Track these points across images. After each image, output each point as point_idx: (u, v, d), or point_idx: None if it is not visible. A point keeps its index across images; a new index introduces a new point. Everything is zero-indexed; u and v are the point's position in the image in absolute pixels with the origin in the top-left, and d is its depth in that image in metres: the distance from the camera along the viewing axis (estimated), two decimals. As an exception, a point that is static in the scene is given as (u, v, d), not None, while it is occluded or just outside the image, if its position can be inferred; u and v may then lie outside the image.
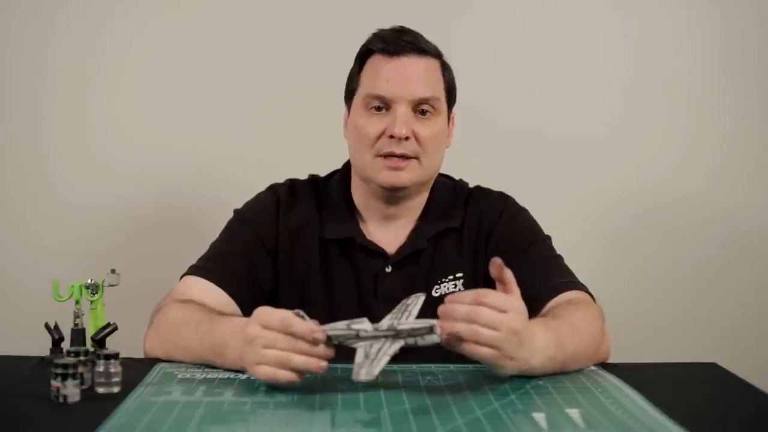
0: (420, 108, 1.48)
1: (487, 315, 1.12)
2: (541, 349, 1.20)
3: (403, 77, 1.47)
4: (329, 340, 1.15)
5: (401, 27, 1.52)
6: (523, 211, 1.59)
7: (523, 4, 2.20)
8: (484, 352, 1.13)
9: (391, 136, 1.45)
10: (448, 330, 1.12)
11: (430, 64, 1.51)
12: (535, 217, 1.59)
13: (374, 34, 1.52)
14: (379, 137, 1.47)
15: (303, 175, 1.62)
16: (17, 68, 2.15)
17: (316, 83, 2.09)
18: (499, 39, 2.19)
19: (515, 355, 1.15)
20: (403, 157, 1.46)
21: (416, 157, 1.47)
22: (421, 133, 1.47)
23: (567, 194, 2.20)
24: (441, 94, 1.51)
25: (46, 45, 2.14)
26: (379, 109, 1.48)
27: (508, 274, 1.16)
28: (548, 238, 1.57)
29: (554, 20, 2.19)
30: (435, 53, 1.52)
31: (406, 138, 1.46)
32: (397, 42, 1.49)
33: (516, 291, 1.17)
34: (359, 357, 1.14)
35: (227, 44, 2.16)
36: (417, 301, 1.29)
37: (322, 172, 1.63)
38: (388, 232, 1.54)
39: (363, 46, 1.53)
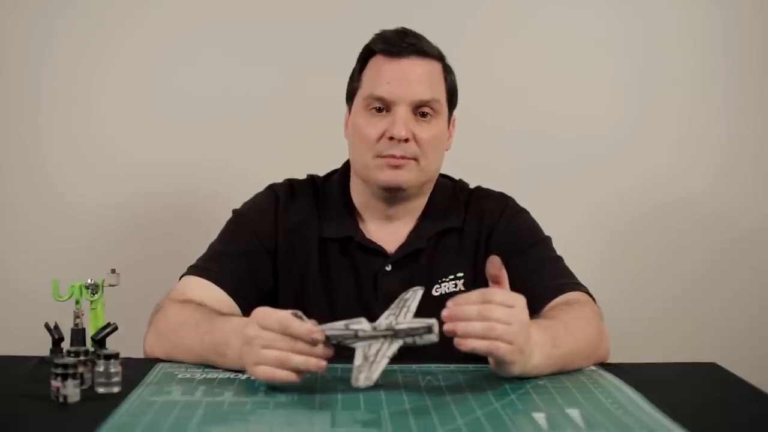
0: (420, 110, 1.48)
1: (499, 311, 1.14)
2: (539, 347, 1.21)
3: (404, 79, 1.47)
4: (328, 340, 1.15)
5: (404, 28, 1.52)
6: (523, 212, 1.59)
7: (522, 5, 2.20)
8: (503, 348, 1.14)
9: (391, 138, 1.45)
10: (462, 331, 1.13)
11: (432, 67, 1.51)
12: (536, 218, 1.59)
13: (377, 35, 1.52)
14: (380, 139, 1.47)
15: (302, 175, 1.62)
16: (17, 68, 2.15)
17: (316, 83, 2.09)
18: (500, 41, 2.19)
19: (525, 348, 1.17)
20: (403, 157, 1.46)
21: (415, 159, 1.47)
22: (420, 135, 1.47)
23: (567, 195, 2.20)
24: (442, 97, 1.51)
25: (47, 45, 2.14)
26: (379, 110, 1.48)
27: (504, 274, 1.18)
28: (549, 238, 1.57)
29: (554, 22, 2.19)
30: (437, 56, 1.52)
31: (406, 140, 1.46)
32: (400, 43, 1.49)
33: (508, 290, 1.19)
34: (358, 359, 1.14)
35: (227, 44, 2.16)
36: (415, 295, 1.29)
37: (322, 172, 1.63)
38: (388, 232, 1.54)
39: (365, 46, 1.53)
